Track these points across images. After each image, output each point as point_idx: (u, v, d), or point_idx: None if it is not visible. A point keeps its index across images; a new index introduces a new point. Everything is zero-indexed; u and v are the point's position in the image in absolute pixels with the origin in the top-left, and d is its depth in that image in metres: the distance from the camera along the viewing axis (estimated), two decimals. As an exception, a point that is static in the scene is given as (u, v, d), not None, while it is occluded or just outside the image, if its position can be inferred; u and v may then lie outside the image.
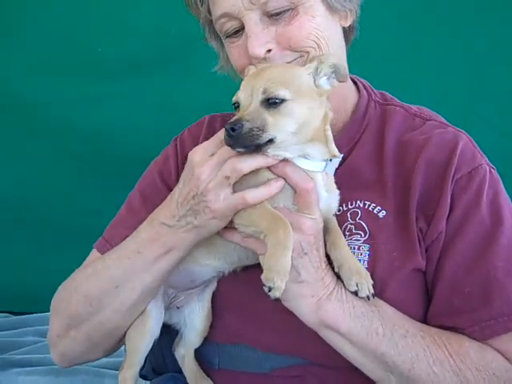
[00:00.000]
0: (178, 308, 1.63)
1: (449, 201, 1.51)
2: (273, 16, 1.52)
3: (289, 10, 1.52)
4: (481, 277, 1.47)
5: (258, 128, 1.33)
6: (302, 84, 1.41)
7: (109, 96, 3.23)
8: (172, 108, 3.05)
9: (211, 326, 1.61)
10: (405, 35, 2.99)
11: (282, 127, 1.36)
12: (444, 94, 3.10)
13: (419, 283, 1.52)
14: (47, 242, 3.30)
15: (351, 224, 1.54)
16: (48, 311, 1.69)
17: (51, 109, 3.27)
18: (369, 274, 1.45)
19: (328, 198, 1.46)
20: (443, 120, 1.68)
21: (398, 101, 1.73)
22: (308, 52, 1.53)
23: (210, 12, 1.62)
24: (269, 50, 1.52)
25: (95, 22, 3.20)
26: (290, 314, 1.46)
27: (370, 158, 1.61)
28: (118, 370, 1.62)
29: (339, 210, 1.54)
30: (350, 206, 1.56)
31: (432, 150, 1.56)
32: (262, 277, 1.31)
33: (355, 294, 1.43)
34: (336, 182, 1.52)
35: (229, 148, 1.38)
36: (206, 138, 1.67)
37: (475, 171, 1.54)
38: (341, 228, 1.51)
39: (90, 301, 1.58)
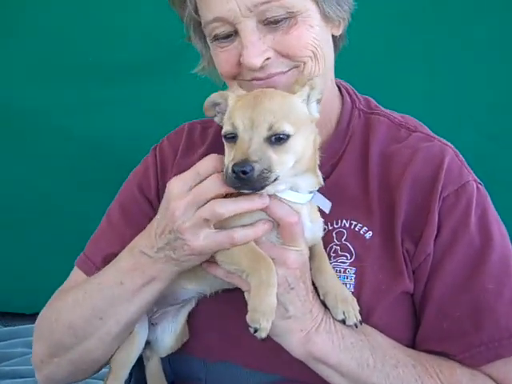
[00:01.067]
0: (152, 324, 1.62)
1: (436, 221, 1.47)
2: (270, 24, 1.47)
3: (287, 18, 1.47)
4: (471, 300, 1.43)
5: (266, 169, 1.25)
6: (300, 114, 1.36)
7: (103, 102, 3.27)
8: (166, 113, 3.07)
9: (196, 344, 1.59)
10: (392, 38, 3.01)
11: (285, 164, 1.30)
12: (431, 97, 3.11)
13: (407, 306, 1.49)
14: (42, 247, 3.31)
15: (337, 245, 1.50)
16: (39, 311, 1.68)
17: (46, 115, 3.31)
18: (355, 299, 1.41)
19: (312, 227, 1.42)
20: (429, 131, 1.64)
21: (383, 109, 1.69)
22: (305, 62, 1.49)
23: (197, 12, 1.56)
24: (267, 59, 1.47)
25: (90, 30, 3.25)
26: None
27: (355, 172, 1.57)
28: (102, 380, 1.62)
29: (324, 229, 1.50)
30: (335, 226, 1.52)
31: (418, 166, 1.52)
32: (247, 318, 1.29)
33: (343, 322, 1.39)
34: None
35: (207, 187, 1.32)
36: (187, 144, 1.65)
37: (462, 189, 1.51)
38: (326, 249, 1.48)
39: (74, 331, 1.54)
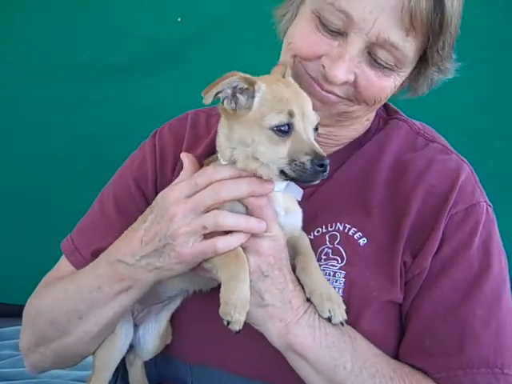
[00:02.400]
0: (135, 326, 1.62)
1: (440, 237, 1.45)
2: (371, 59, 1.41)
3: (387, 68, 1.43)
4: (458, 323, 1.41)
5: None
6: None
7: (96, 99, 3.29)
8: (157, 110, 3.05)
9: (178, 346, 1.59)
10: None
11: None
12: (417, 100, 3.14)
13: (395, 315, 1.48)
14: (33, 243, 3.30)
15: (329, 248, 1.49)
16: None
17: (39, 112, 3.32)
18: (341, 298, 1.40)
19: (287, 216, 1.41)
20: (446, 143, 1.61)
21: (402, 114, 1.66)
22: (365, 103, 1.46)
23: None
24: (345, 82, 1.41)
25: (83, 27, 3.26)
26: (254, 338, 1.42)
27: (360, 177, 1.54)
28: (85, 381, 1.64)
29: (318, 232, 1.50)
30: (329, 229, 1.50)
31: (432, 179, 1.50)
32: (220, 311, 1.29)
33: (329, 320, 1.37)
34: (318, 200, 1.50)
35: (207, 195, 1.32)
36: (192, 135, 1.63)
37: (472, 209, 1.48)
38: (317, 251, 1.47)
39: (55, 326, 1.56)
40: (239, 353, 1.49)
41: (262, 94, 1.31)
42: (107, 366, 1.58)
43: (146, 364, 1.65)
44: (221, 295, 1.30)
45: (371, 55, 1.41)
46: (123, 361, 1.63)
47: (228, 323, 1.28)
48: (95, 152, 3.28)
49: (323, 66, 1.42)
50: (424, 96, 3.10)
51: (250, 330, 1.41)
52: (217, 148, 1.40)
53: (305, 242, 1.44)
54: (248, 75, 1.33)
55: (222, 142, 1.38)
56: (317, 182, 1.29)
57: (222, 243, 1.33)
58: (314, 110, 1.35)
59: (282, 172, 1.29)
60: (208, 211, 1.33)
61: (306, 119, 1.30)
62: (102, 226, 1.65)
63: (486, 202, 1.52)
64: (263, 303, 1.37)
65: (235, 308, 1.28)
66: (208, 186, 1.34)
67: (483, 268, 1.45)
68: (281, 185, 1.37)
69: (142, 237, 1.40)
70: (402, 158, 1.55)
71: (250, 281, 1.33)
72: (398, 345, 1.47)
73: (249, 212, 1.36)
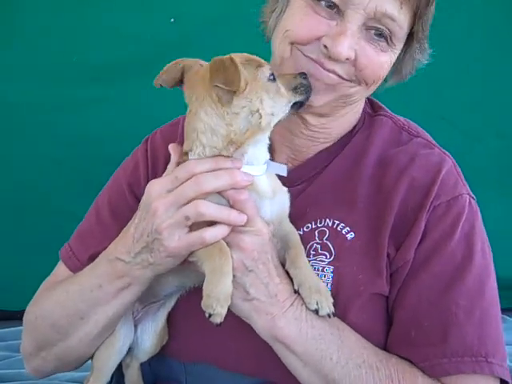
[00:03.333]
0: (134, 326, 1.62)
1: (422, 229, 1.48)
2: (369, 32, 1.44)
3: (384, 41, 1.46)
4: (441, 313, 1.43)
5: None
6: None
7: (90, 100, 3.28)
8: (152, 112, 3.06)
9: (174, 345, 1.59)
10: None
11: None
12: (408, 95, 3.14)
13: (382, 308, 1.50)
14: (26, 246, 3.29)
15: (317, 243, 1.51)
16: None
17: (32, 113, 3.30)
18: (329, 291, 1.42)
19: (274, 201, 1.43)
20: (430, 138, 1.64)
21: (387, 110, 1.68)
22: (365, 83, 1.49)
23: None
24: (347, 58, 1.44)
25: (77, 29, 3.25)
26: (249, 335, 1.44)
27: (346, 174, 1.56)
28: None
29: (307, 228, 1.52)
30: (318, 225, 1.52)
31: (415, 172, 1.52)
32: (202, 304, 1.31)
33: (316, 312, 1.39)
34: (307, 197, 1.52)
35: (188, 187, 1.34)
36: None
37: (454, 201, 1.50)
38: (306, 246, 1.48)
39: (56, 329, 1.57)
40: (234, 350, 1.51)
41: (241, 65, 1.36)
42: (106, 368, 1.58)
43: (141, 365, 1.65)
44: (204, 288, 1.33)
45: (369, 30, 1.44)
46: (119, 365, 1.63)
47: (209, 316, 1.31)
48: (91, 153, 3.27)
49: (325, 46, 1.44)
50: (419, 94, 3.13)
51: (244, 327, 1.44)
52: (193, 142, 1.39)
53: (295, 236, 1.46)
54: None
55: (207, 130, 1.38)
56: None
57: (210, 234, 1.34)
58: (317, 95, 1.48)
59: (294, 104, 1.43)
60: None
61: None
62: (98, 231, 1.67)
63: (468, 194, 1.54)
64: (248, 297, 1.40)
65: (217, 301, 1.31)
66: (189, 179, 1.35)
67: (466, 259, 1.47)
68: (262, 168, 1.41)
69: (133, 234, 1.42)
70: (386, 153, 1.57)
71: (234, 276, 1.36)
72: (387, 336, 1.49)
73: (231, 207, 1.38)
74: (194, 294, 1.50)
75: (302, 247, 1.46)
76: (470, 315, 1.43)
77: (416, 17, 1.47)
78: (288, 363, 1.42)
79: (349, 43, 1.42)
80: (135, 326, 1.62)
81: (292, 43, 1.48)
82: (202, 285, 1.42)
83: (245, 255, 1.37)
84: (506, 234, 3.43)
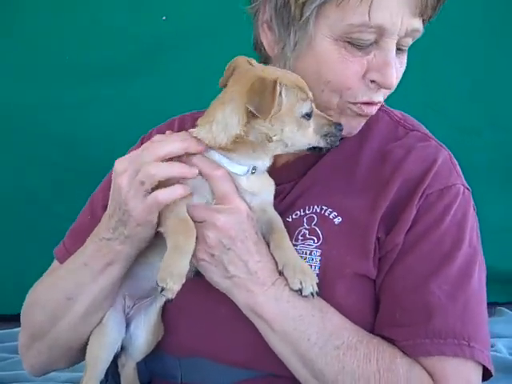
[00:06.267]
0: (127, 324, 1.62)
1: (413, 215, 1.48)
2: (398, 51, 1.47)
3: (406, 50, 1.51)
4: (425, 296, 1.44)
5: None
6: None
7: (83, 101, 3.27)
8: (145, 112, 3.06)
9: (169, 340, 1.59)
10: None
11: None
12: (403, 88, 3.14)
13: (369, 291, 1.50)
14: (20, 248, 3.28)
15: (305, 229, 1.51)
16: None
17: (26, 114, 3.29)
18: (314, 273, 1.44)
19: (257, 197, 1.45)
20: (426, 131, 1.64)
21: (383, 103, 1.66)
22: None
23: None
24: None
25: (69, 28, 3.24)
26: (243, 328, 1.46)
27: (340, 168, 1.57)
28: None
29: (296, 215, 1.53)
30: (307, 211, 1.53)
31: (410, 164, 1.53)
32: (157, 276, 1.33)
33: (299, 292, 1.41)
34: (297, 191, 1.54)
35: (144, 155, 1.39)
36: None
37: (447, 190, 1.51)
38: (294, 232, 1.50)
39: (46, 312, 1.60)
40: (228, 343, 1.51)
41: (286, 88, 1.38)
42: (98, 365, 1.56)
43: (137, 364, 1.64)
44: (163, 260, 1.35)
45: (398, 47, 1.46)
46: (116, 365, 1.63)
47: (162, 290, 1.32)
48: (85, 154, 3.27)
49: (371, 81, 1.45)
50: (414, 87, 3.13)
51: (238, 320, 1.45)
52: (205, 124, 1.42)
53: (279, 221, 1.48)
54: (274, 77, 1.35)
55: (220, 124, 1.40)
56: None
57: (162, 194, 1.37)
58: (357, 125, 1.53)
59: (313, 148, 1.43)
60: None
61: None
62: (92, 228, 1.65)
63: (463, 185, 1.55)
64: (228, 275, 1.41)
65: (172, 277, 1.32)
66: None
67: (454, 245, 1.47)
68: (243, 169, 1.43)
69: (108, 212, 1.47)
70: (383, 149, 1.58)
71: (213, 254, 1.40)
72: (374, 320, 1.50)
73: (211, 186, 1.41)
74: (187, 288, 1.48)
75: (286, 231, 1.46)
76: (454, 300, 1.44)
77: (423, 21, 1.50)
78: (268, 340, 1.45)
79: (394, 71, 1.45)
80: (128, 324, 1.61)
81: (340, 98, 1.48)
82: (192, 279, 1.45)
83: (222, 234, 1.39)
84: (505, 228, 3.44)
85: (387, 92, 1.52)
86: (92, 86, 3.24)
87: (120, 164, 1.43)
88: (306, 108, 1.39)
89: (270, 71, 1.42)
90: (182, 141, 1.41)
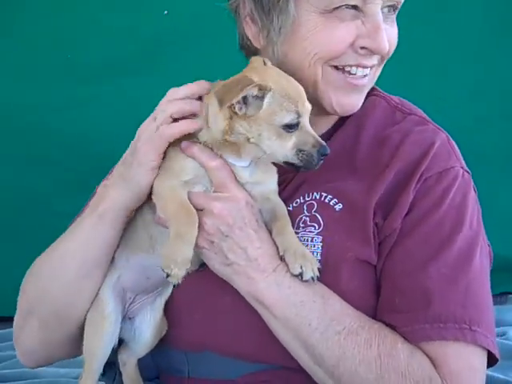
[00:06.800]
0: (129, 319, 1.61)
1: (410, 199, 1.47)
2: (388, 11, 1.48)
3: (393, 12, 1.51)
4: (425, 280, 1.43)
5: None
6: None
7: (86, 100, 3.26)
8: (148, 110, 3.02)
9: (175, 334, 1.58)
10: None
11: None
12: (412, 79, 3.11)
13: (371, 276, 1.49)
14: (26, 248, 3.26)
15: (306, 216, 1.51)
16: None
17: (25, 114, 3.28)
18: (315, 258, 1.44)
19: (258, 186, 1.46)
20: (424, 115, 1.63)
21: (379, 89, 1.68)
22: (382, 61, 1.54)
23: None
24: None
25: (70, 27, 3.23)
26: (249, 320, 1.46)
27: (338, 155, 1.55)
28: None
29: (296, 203, 1.53)
30: (307, 198, 1.53)
31: (407, 148, 1.52)
32: (161, 263, 1.35)
33: (300, 276, 1.40)
34: (297, 181, 1.54)
35: (167, 104, 1.46)
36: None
37: (446, 173, 1.50)
38: (295, 220, 1.50)
39: (39, 279, 1.61)
40: (234, 336, 1.51)
41: (272, 94, 1.37)
42: (96, 354, 1.55)
43: (143, 359, 1.63)
44: (165, 247, 1.38)
45: (384, 8, 1.47)
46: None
47: (167, 276, 1.35)
48: (87, 152, 3.26)
49: (362, 48, 1.46)
50: (425, 76, 3.10)
51: (244, 313, 1.46)
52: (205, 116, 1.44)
53: (282, 208, 1.49)
54: (260, 80, 1.36)
55: (212, 116, 1.42)
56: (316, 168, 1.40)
57: (168, 127, 1.42)
58: (358, 95, 1.52)
59: (287, 162, 1.40)
60: None
61: (306, 111, 1.39)
62: None
63: (462, 167, 1.54)
64: (228, 262, 1.43)
65: (175, 263, 1.34)
66: None
67: (454, 228, 1.46)
68: (244, 161, 1.44)
69: (118, 163, 1.54)
70: (381, 134, 1.57)
71: (212, 242, 1.41)
72: (376, 305, 1.49)
73: (209, 175, 1.43)
74: (192, 281, 1.49)
75: (289, 219, 1.47)
76: (455, 284, 1.42)
77: None
78: (270, 326, 1.45)
79: (384, 34, 1.45)
80: (132, 319, 1.61)
81: (325, 62, 1.47)
82: (197, 271, 1.46)
83: (219, 221, 1.40)
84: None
85: (382, 58, 1.51)
86: (93, 84, 3.23)
87: (143, 126, 1.49)
88: (287, 119, 1.36)
89: (271, 74, 1.41)
90: (196, 84, 1.44)
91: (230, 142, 1.40)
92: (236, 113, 1.36)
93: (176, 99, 1.45)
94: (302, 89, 1.41)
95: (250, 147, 1.39)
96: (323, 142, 1.38)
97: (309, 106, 1.40)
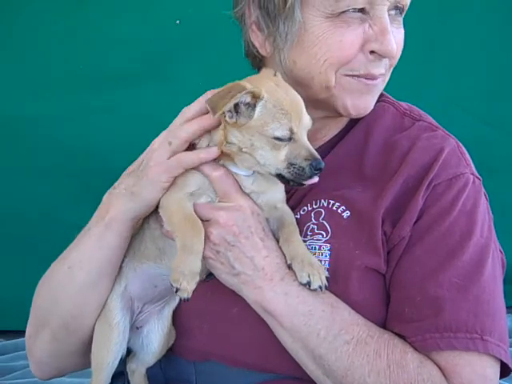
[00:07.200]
0: (137, 328, 1.61)
1: (420, 206, 1.45)
2: (395, 13, 1.47)
3: (400, 15, 1.50)
4: (434, 289, 1.40)
5: None
6: None
7: (99, 110, 3.29)
8: (156, 120, 3.03)
9: (183, 344, 1.58)
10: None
11: None
12: (425, 84, 3.08)
13: (381, 285, 1.48)
14: (34, 258, 3.28)
15: (314, 224, 1.50)
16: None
17: (37, 125, 3.31)
18: (323, 266, 1.42)
19: (263, 195, 1.45)
20: (433, 121, 1.62)
21: (388, 95, 1.67)
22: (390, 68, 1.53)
23: None
24: None
25: (83, 38, 3.26)
26: (256, 330, 1.45)
27: (346, 162, 1.55)
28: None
29: (303, 210, 1.52)
30: (314, 206, 1.52)
31: (416, 154, 1.50)
32: (170, 277, 1.34)
33: (308, 285, 1.39)
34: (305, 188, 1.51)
35: (175, 122, 1.44)
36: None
37: (456, 179, 1.48)
38: (303, 228, 1.49)
39: (48, 291, 1.61)
40: (242, 346, 1.50)
41: (264, 103, 1.36)
42: (104, 365, 1.55)
43: (151, 368, 1.63)
44: (173, 261, 1.37)
45: (390, 11, 1.46)
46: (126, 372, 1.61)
47: (177, 290, 1.34)
48: (97, 164, 3.28)
49: (371, 52, 1.45)
50: (436, 83, 3.08)
51: (251, 323, 1.45)
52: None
53: (289, 216, 1.48)
54: (253, 87, 1.34)
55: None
56: (309, 183, 1.37)
57: (186, 155, 1.42)
58: (363, 103, 1.50)
59: (279, 175, 1.37)
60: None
61: (302, 125, 1.37)
62: None
63: (473, 174, 1.51)
64: (234, 272, 1.42)
65: (184, 277, 1.34)
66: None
67: (464, 236, 1.43)
68: (246, 170, 1.44)
69: (127, 171, 1.53)
70: (389, 140, 1.56)
71: (218, 251, 1.41)
72: (385, 315, 1.47)
73: (213, 185, 1.43)
74: (200, 291, 1.48)
75: (296, 226, 1.46)
76: (466, 292, 1.39)
77: None
78: (278, 336, 1.43)
79: (392, 37, 1.44)
80: (140, 328, 1.61)
81: (337, 71, 1.46)
82: (204, 281, 1.45)
83: (225, 230, 1.40)
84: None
85: (390, 64, 1.50)
86: (106, 94, 3.26)
87: (161, 134, 1.49)
88: (278, 131, 1.34)
89: (268, 84, 1.39)
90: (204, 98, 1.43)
91: (226, 153, 1.40)
92: (227, 121, 1.36)
93: (189, 118, 1.43)
94: (301, 102, 1.39)
95: (244, 157, 1.38)
96: (317, 156, 1.35)
97: (307, 120, 1.38)
